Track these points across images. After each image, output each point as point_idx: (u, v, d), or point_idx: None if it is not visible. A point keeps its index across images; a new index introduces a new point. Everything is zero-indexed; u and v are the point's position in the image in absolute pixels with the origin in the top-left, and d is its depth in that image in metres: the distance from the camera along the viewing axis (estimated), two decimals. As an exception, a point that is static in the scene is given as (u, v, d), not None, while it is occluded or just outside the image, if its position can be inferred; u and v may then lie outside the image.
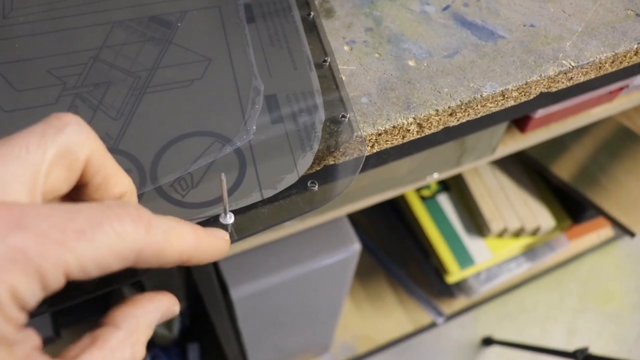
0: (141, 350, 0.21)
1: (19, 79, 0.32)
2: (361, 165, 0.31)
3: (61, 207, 0.18)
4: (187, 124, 0.31)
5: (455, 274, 1.02)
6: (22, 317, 0.17)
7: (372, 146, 0.36)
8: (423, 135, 0.37)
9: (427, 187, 1.07)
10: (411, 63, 0.38)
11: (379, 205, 0.76)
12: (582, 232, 1.22)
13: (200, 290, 0.60)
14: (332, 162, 0.32)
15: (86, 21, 0.35)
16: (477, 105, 0.37)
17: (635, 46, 0.40)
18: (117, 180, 0.22)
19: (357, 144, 0.32)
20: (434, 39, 0.39)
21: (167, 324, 0.99)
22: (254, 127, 0.31)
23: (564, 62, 0.39)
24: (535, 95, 0.40)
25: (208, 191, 0.29)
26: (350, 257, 0.72)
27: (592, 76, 0.41)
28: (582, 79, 0.41)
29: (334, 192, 0.30)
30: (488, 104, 0.38)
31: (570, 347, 0.95)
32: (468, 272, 1.04)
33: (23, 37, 0.34)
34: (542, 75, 0.38)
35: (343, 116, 0.32)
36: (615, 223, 0.95)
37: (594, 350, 0.89)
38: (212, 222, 0.28)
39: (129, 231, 0.19)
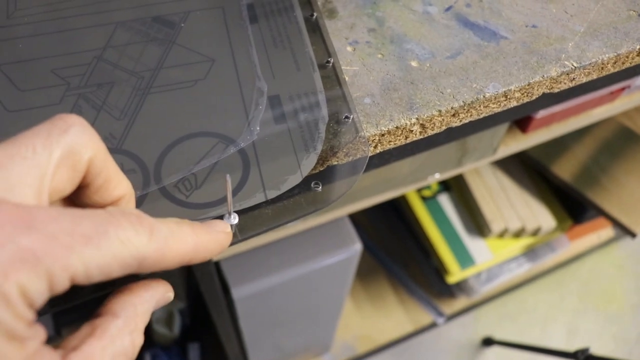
0: (139, 337, 0.21)
1: (23, 79, 0.32)
2: (365, 166, 0.31)
3: (67, 211, 0.18)
4: (190, 125, 0.31)
5: (455, 274, 1.02)
6: (32, 315, 0.17)
7: (375, 147, 0.36)
8: (426, 135, 0.37)
9: (428, 187, 1.07)
10: (414, 64, 0.38)
11: (380, 206, 0.77)
12: (583, 233, 1.22)
13: (201, 290, 0.60)
14: (335, 163, 0.32)
15: (90, 21, 0.35)
16: (479, 106, 0.37)
17: (638, 47, 0.40)
18: (117, 182, 0.22)
19: (360, 145, 0.32)
20: (436, 40, 0.40)
21: (168, 323, 0.99)
22: (258, 128, 0.31)
23: (566, 62, 0.39)
24: (537, 96, 0.40)
25: (212, 192, 0.29)
26: (351, 257, 0.72)
27: (594, 77, 0.41)
28: (584, 80, 0.41)
29: (337, 193, 0.30)
30: (490, 105, 0.38)
31: (571, 347, 0.95)
32: (468, 273, 1.04)
33: (27, 37, 0.34)
34: (545, 76, 0.38)
35: (346, 117, 0.32)
36: (616, 223, 0.95)
37: (595, 350, 0.89)
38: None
39: (132, 238, 0.19)
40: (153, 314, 0.97)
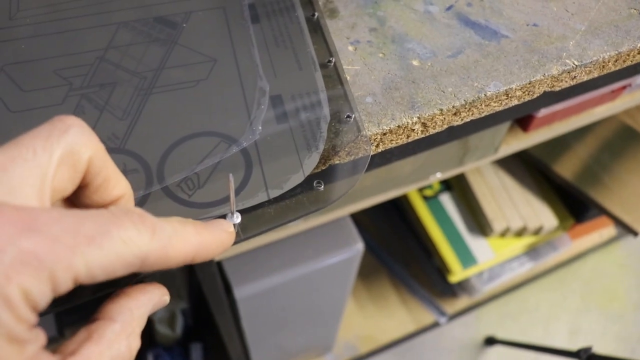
0: (136, 341, 0.21)
1: (26, 80, 0.32)
2: (367, 165, 0.31)
3: (69, 212, 0.18)
4: (193, 124, 0.31)
5: (457, 273, 1.02)
6: (33, 318, 0.17)
7: (377, 146, 0.36)
8: (427, 134, 0.38)
9: (430, 186, 1.07)
10: (415, 63, 0.38)
11: (382, 205, 0.77)
12: (585, 232, 1.22)
13: (203, 290, 0.60)
14: (337, 162, 0.32)
15: (92, 22, 0.35)
16: (481, 105, 0.37)
17: (639, 45, 0.40)
18: (116, 182, 0.22)
19: (362, 144, 0.32)
20: (437, 39, 0.40)
21: (170, 323, 0.99)
22: (260, 128, 0.31)
23: (567, 61, 0.39)
24: (538, 95, 0.40)
25: (214, 191, 0.29)
26: (353, 257, 0.72)
27: (596, 75, 0.41)
28: (585, 78, 0.41)
29: (339, 192, 0.30)
30: (492, 104, 0.38)
31: (573, 346, 0.95)
32: (470, 272, 1.04)
33: (29, 38, 0.34)
34: (546, 74, 0.38)
35: (348, 116, 0.32)
36: (618, 222, 0.95)
37: (597, 349, 0.89)
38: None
39: (134, 238, 0.19)
40: (155, 314, 0.97)
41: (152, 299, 0.23)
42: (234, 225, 0.27)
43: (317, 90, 0.33)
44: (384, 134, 0.35)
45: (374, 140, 0.35)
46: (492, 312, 1.24)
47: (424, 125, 0.36)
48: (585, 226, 1.16)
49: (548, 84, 0.39)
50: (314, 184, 0.30)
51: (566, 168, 0.97)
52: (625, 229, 0.94)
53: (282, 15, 0.37)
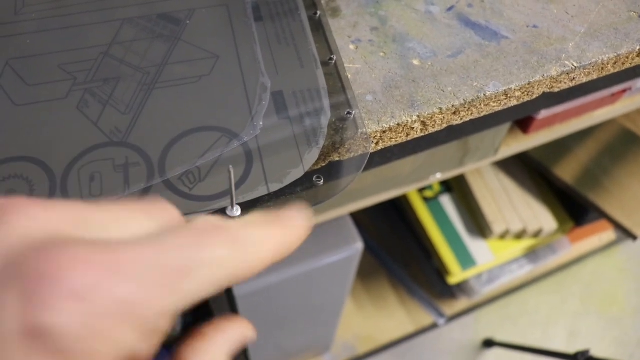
0: None
1: (30, 74, 0.33)
2: (366, 162, 0.32)
3: (148, 241, 0.16)
4: (195, 119, 0.31)
5: (456, 275, 1.02)
6: None
7: (377, 143, 0.36)
8: (427, 133, 0.38)
9: (430, 188, 1.07)
10: (416, 62, 0.38)
11: (381, 206, 0.77)
12: (585, 235, 1.22)
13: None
14: (337, 159, 0.32)
15: (96, 18, 0.36)
16: (480, 104, 0.38)
17: (638, 48, 0.41)
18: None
19: (362, 141, 0.32)
20: (438, 39, 0.40)
21: (170, 321, 1.00)
22: (261, 123, 0.31)
23: (566, 62, 0.39)
24: (538, 95, 0.40)
25: (215, 185, 0.29)
26: (352, 256, 0.72)
27: (595, 77, 0.42)
28: (584, 80, 0.41)
29: (338, 188, 0.31)
30: (491, 103, 0.38)
31: (572, 350, 0.95)
32: (470, 274, 1.04)
33: (34, 33, 0.35)
34: (545, 75, 0.38)
35: (348, 113, 0.33)
36: (618, 226, 0.95)
37: (596, 353, 0.89)
38: (218, 215, 0.28)
39: (225, 257, 0.17)
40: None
41: (231, 338, 0.20)
42: (234, 218, 0.27)
43: (318, 87, 0.33)
44: (384, 132, 0.35)
45: (374, 137, 0.35)
46: (491, 314, 1.24)
47: (423, 123, 0.37)
48: (585, 230, 1.16)
49: (547, 85, 0.40)
50: (314, 179, 0.31)
51: (566, 171, 0.98)
52: (625, 233, 0.94)
53: (284, 13, 0.37)
